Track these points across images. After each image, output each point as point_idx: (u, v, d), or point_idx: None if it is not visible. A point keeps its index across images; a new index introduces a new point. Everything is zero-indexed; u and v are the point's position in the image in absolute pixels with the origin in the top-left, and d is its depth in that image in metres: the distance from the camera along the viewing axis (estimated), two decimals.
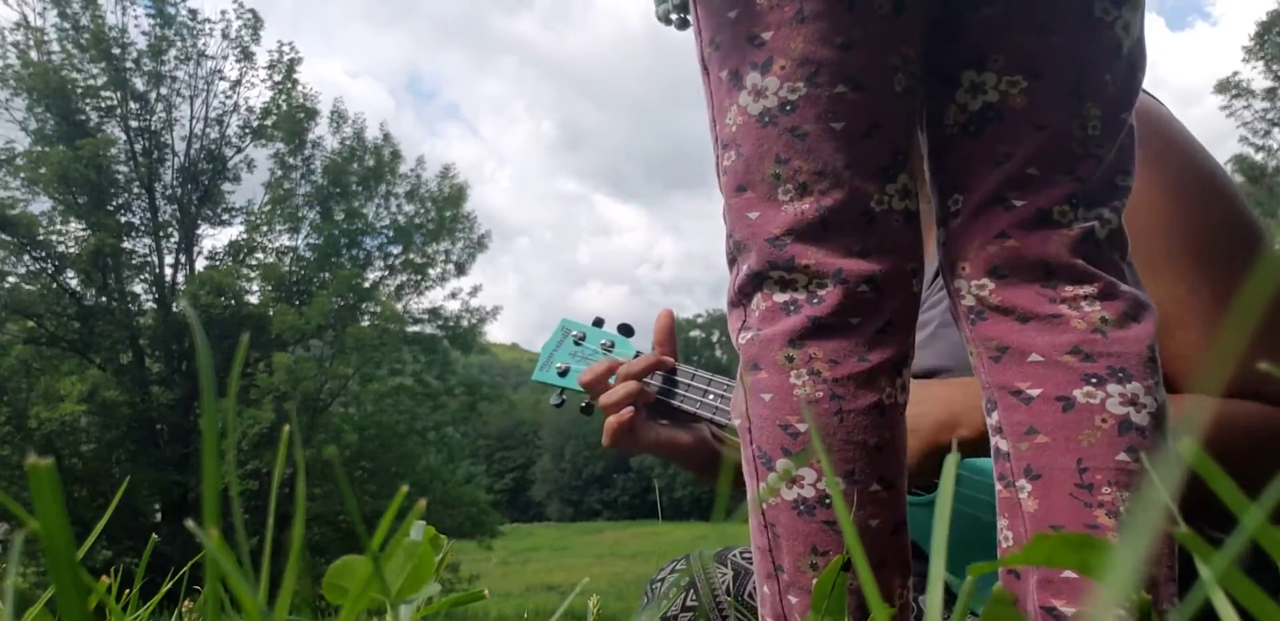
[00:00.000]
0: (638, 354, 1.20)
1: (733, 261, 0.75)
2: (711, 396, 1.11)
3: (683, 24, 0.82)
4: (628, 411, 1.08)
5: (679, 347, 1.18)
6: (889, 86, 0.70)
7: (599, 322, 1.26)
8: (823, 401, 0.68)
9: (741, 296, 0.74)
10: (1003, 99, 0.71)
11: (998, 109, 0.71)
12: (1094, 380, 0.66)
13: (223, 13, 18.64)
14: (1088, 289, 0.68)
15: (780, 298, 0.71)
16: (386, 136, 18.62)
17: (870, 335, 0.70)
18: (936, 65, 0.73)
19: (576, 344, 1.25)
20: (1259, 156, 20.75)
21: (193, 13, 16.90)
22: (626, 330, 1.24)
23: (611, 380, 1.13)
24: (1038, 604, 0.65)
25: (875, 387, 0.69)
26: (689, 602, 1.11)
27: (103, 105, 16.45)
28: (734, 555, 1.14)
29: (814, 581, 0.67)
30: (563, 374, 1.24)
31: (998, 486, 0.69)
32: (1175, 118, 1.01)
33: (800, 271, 0.70)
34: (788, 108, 0.70)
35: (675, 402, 1.13)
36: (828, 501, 0.68)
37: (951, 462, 0.32)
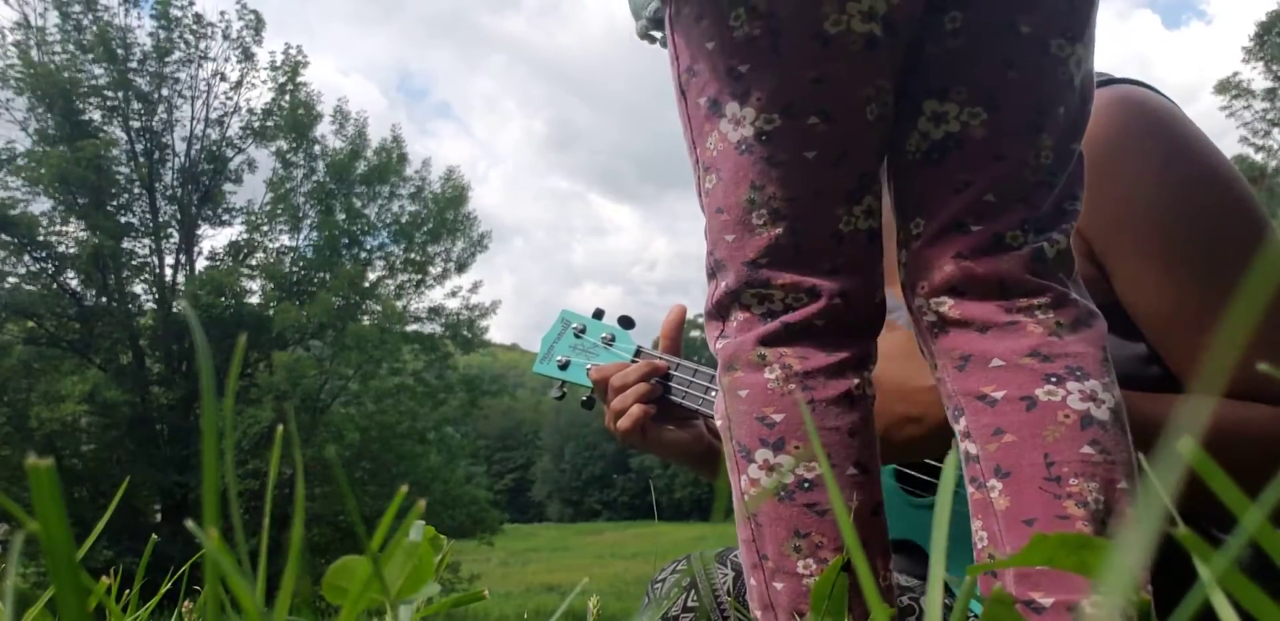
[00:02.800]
0: (639, 349, 1.20)
1: (712, 275, 0.79)
2: (713, 393, 1.11)
3: (664, 42, 0.84)
4: (639, 409, 1.11)
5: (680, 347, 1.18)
6: (860, 116, 0.73)
7: (599, 314, 1.26)
8: (795, 392, 0.72)
9: (719, 309, 0.78)
10: (963, 129, 0.74)
11: (958, 138, 0.74)
12: (1054, 379, 0.68)
13: (222, 14, 18.53)
14: (1041, 299, 0.71)
15: (758, 310, 0.75)
16: (396, 138, 18.66)
17: (837, 337, 0.74)
18: (900, 92, 0.76)
19: (577, 336, 1.25)
20: (1259, 156, 20.76)
21: (197, 17, 16.90)
22: (627, 322, 1.23)
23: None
24: (1017, 598, 0.65)
25: (844, 378, 0.73)
26: (690, 603, 1.11)
27: (106, 105, 16.47)
28: (735, 555, 1.14)
29: (798, 564, 0.70)
30: (563, 367, 1.24)
31: (969, 489, 0.71)
32: (1186, 116, 1.00)
33: (776, 288, 0.74)
34: (763, 138, 0.73)
35: (677, 399, 1.13)
36: (806, 485, 0.71)
37: (951, 463, 0.32)
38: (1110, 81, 1.00)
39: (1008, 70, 0.73)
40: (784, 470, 0.71)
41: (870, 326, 0.76)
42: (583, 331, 1.25)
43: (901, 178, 0.78)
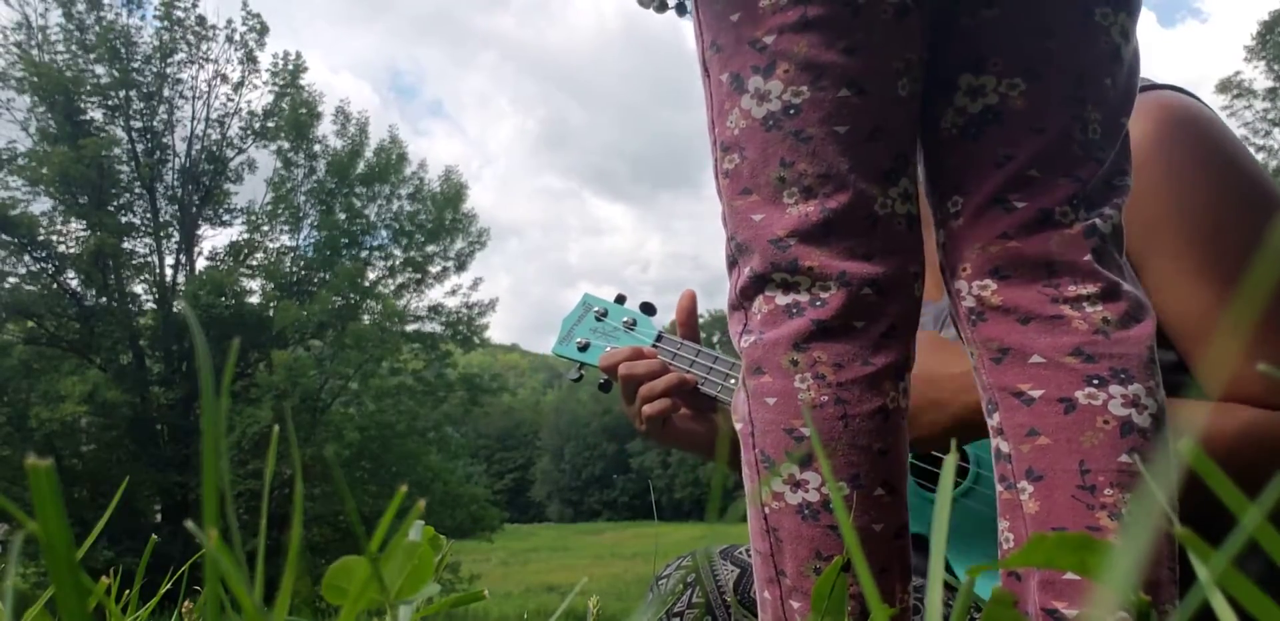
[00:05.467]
0: (660, 334, 1.19)
1: (733, 264, 0.75)
2: (733, 381, 1.11)
3: (666, 8, 0.82)
4: (665, 401, 1.08)
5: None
6: (892, 90, 0.70)
7: (621, 299, 1.25)
8: (827, 406, 0.68)
9: (743, 299, 0.74)
10: (1002, 101, 0.71)
11: (997, 111, 0.71)
12: (1096, 381, 0.65)
13: (229, 21, 18.58)
14: (1090, 288, 0.67)
15: (783, 300, 0.71)
16: (394, 138, 18.69)
17: (875, 338, 0.70)
18: (932, 69, 0.73)
19: (598, 319, 1.24)
20: (1259, 157, 20.75)
21: (200, 19, 16.90)
22: (648, 309, 1.23)
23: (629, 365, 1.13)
24: (1039, 606, 0.64)
25: (880, 392, 0.69)
26: (694, 599, 1.11)
27: (107, 104, 16.47)
28: (739, 552, 1.14)
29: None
30: (583, 349, 1.23)
31: (999, 487, 0.69)
32: (1226, 125, 0.99)
33: (804, 273, 0.70)
34: (791, 111, 0.70)
35: (698, 386, 1.13)
36: (832, 506, 0.68)
37: (951, 462, 0.32)
38: (1152, 86, 1.00)
39: (1047, 39, 0.70)
40: (809, 487, 0.68)
41: (907, 324, 0.72)
42: (604, 315, 1.24)
43: (936, 156, 0.75)
